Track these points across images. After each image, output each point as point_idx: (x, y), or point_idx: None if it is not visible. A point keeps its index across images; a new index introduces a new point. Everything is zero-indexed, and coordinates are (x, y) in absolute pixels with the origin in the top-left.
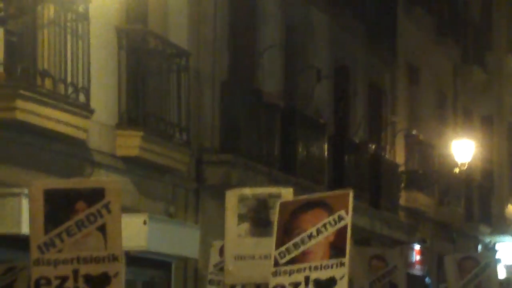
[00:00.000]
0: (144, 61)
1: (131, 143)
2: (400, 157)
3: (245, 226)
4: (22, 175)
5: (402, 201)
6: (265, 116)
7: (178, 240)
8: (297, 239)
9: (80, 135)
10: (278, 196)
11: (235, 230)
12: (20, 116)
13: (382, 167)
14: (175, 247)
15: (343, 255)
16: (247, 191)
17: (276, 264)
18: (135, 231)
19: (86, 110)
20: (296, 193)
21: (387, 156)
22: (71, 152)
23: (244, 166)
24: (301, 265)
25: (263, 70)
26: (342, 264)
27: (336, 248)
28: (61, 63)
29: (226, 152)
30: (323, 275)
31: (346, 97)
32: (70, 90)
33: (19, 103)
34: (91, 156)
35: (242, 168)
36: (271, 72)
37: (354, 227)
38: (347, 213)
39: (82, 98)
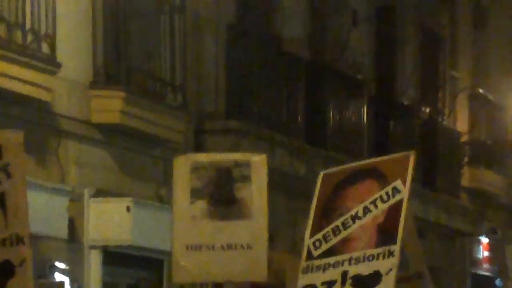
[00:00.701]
0: None
1: (110, 107)
2: (462, 124)
3: (201, 205)
4: None
5: (464, 181)
6: (285, 70)
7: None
8: (337, 222)
9: (44, 96)
10: (247, 164)
11: (187, 211)
12: None
13: (439, 136)
14: (168, 241)
15: (393, 241)
16: (203, 157)
17: (310, 257)
18: (116, 221)
19: (51, 64)
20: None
21: (445, 122)
22: (32, 119)
23: (257, 135)
24: (339, 257)
25: (283, 10)
26: (391, 254)
27: (385, 233)
28: (18, 3)
29: (234, 118)
30: (365, 269)
31: (392, 46)
32: (29, 38)
33: None
34: (58, 124)
35: (254, 139)
36: (292, 13)
37: None
38: (404, 183)
39: (45, 48)
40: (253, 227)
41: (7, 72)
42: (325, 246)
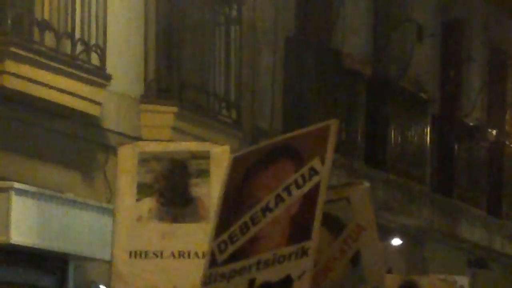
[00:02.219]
0: (180, 10)
1: (161, 122)
2: None
3: (149, 203)
4: (11, 163)
5: None
6: (344, 87)
7: None
8: (245, 218)
9: (92, 110)
10: (206, 156)
11: (131, 210)
12: (9, 82)
13: (506, 160)
14: None
15: (308, 236)
16: (154, 147)
17: (214, 263)
18: None
19: (100, 76)
20: (387, 193)
21: None
22: (79, 133)
23: None
24: (246, 262)
25: (344, 24)
26: (304, 253)
27: (298, 227)
28: (68, 11)
29: None
30: (275, 274)
31: (458, 63)
32: (79, 48)
33: (9, 65)
34: (106, 139)
35: None
36: (354, 27)
37: (465, 241)
38: (322, 161)
39: (95, 59)
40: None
41: (54, 83)
42: (231, 249)
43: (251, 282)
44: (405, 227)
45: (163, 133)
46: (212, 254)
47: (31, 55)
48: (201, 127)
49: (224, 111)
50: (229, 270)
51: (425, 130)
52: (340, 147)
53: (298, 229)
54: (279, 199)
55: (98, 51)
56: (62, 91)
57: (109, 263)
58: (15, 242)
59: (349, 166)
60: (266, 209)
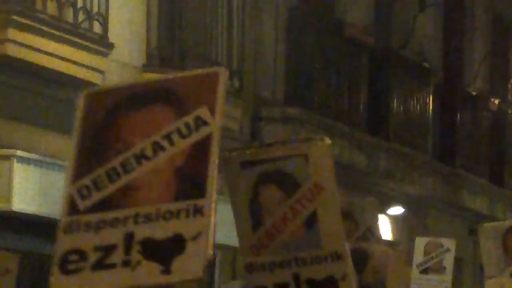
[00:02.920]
0: None
1: None
2: None
3: None
4: (13, 131)
5: None
6: (347, 57)
7: (225, 223)
8: (114, 163)
9: (94, 78)
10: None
11: None
12: (11, 51)
13: (508, 129)
14: (221, 234)
15: (201, 193)
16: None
17: (74, 210)
18: None
19: (102, 44)
20: (390, 162)
21: None
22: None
23: (316, 124)
24: (120, 213)
25: None
26: (198, 212)
27: (188, 181)
28: None
29: (292, 106)
30: (160, 231)
31: (460, 33)
32: (81, 17)
33: (12, 34)
34: None
35: (313, 128)
36: None
37: (467, 210)
38: (213, 112)
39: (97, 28)
40: None
41: (56, 52)
42: (97, 196)
43: (129, 236)
44: (407, 196)
45: None
46: (72, 200)
47: (33, 23)
48: None
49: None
50: (96, 220)
51: (428, 99)
52: (342, 116)
53: (188, 185)
54: (158, 147)
55: (100, 19)
56: (64, 59)
57: None
58: (17, 210)
59: (352, 135)
60: (141, 157)
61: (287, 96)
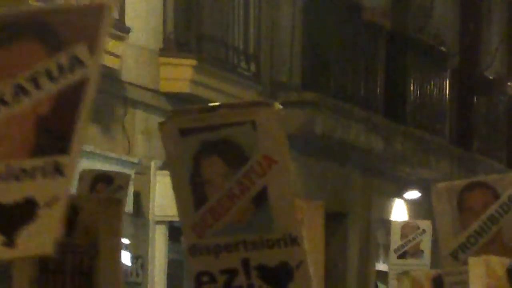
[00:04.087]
0: None
1: (179, 75)
2: None
3: None
4: None
5: None
6: (364, 41)
7: None
8: None
9: (111, 62)
10: None
11: None
12: None
13: None
14: None
15: (64, 150)
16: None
17: None
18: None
19: (119, 29)
20: (406, 146)
21: None
22: (98, 86)
23: (333, 108)
24: None
25: None
26: (57, 171)
27: (49, 134)
28: None
29: (310, 90)
30: (8, 194)
31: (478, 16)
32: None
33: None
34: (125, 92)
35: (330, 112)
36: None
37: None
38: (91, 51)
39: (114, 12)
40: None
41: None
42: None
43: None
44: (423, 180)
45: (181, 85)
46: None
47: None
48: (220, 80)
49: (243, 64)
50: None
51: (444, 83)
52: (359, 100)
53: (50, 138)
54: (20, 90)
55: (117, 4)
56: None
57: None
58: None
59: (368, 119)
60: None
61: (304, 80)
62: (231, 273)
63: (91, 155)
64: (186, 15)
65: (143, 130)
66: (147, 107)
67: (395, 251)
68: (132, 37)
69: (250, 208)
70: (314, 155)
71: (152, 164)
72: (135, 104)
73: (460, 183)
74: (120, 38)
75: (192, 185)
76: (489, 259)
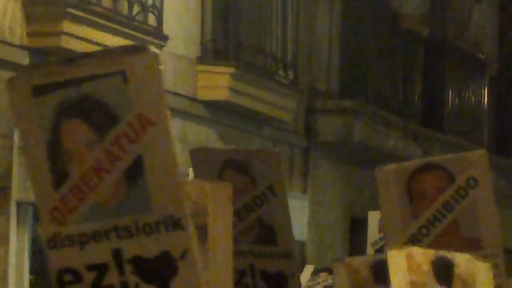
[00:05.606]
0: None
1: (217, 83)
2: None
3: None
4: None
5: None
6: (402, 48)
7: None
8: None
9: None
10: None
11: None
12: (66, 43)
13: None
14: None
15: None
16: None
17: None
18: None
19: (157, 37)
20: (444, 154)
21: None
22: None
23: (371, 116)
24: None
25: None
26: (176, 224)
27: None
28: None
29: (347, 98)
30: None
31: None
32: (136, 9)
33: (66, 26)
34: None
35: (368, 119)
36: None
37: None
38: None
39: (152, 20)
40: None
41: (111, 44)
42: None
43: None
44: None
45: (219, 93)
46: None
47: (88, 16)
48: (258, 88)
49: (280, 72)
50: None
51: (483, 91)
52: (397, 108)
53: None
54: None
55: (155, 12)
56: None
57: None
58: None
59: (406, 127)
60: None
61: (341, 88)
62: (100, 268)
63: None
64: (224, 23)
65: (180, 138)
66: (185, 115)
67: (373, 244)
68: (170, 45)
69: (121, 184)
70: (352, 163)
71: (190, 171)
72: (173, 112)
73: (409, 164)
74: (158, 47)
75: (49, 157)
76: (411, 251)
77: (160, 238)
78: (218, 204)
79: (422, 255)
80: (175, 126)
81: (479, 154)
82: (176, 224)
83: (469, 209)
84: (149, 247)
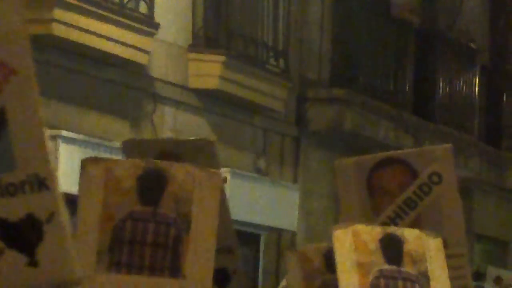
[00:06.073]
0: None
1: (209, 71)
2: None
3: None
4: (58, 111)
5: None
6: (393, 37)
7: (270, 204)
8: None
9: (140, 58)
10: None
11: None
12: (57, 30)
13: None
14: (266, 215)
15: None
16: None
17: None
18: None
19: (148, 25)
20: (435, 143)
21: None
22: (127, 82)
23: (362, 105)
24: None
25: None
26: (41, 183)
27: None
28: None
29: (339, 86)
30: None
31: (508, 13)
32: None
33: (57, 13)
34: (154, 88)
35: (359, 109)
36: None
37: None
38: None
39: (143, 8)
40: None
41: (103, 32)
42: None
43: None
44: None
45: (210, 82)
46: None
47: (79, 3)
48: (249, 76)
49: (272, 60)
50: None
51: (474, 80)
52: (388, 97)
53: None
54: None
55: (147, 0)
56: (110, 39)
57: None
58: (62, 190)
59: (398, 116)
60: None
61: (333, 77)
62: None
63: (118, 151)
64: (215, 11)
65: (171, 126)
66: (176, 103)
67: None
68: (161, 33)
69: None
70: (343, 152)
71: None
72: (164, 100)
73: (369, 158)
74: (149, 34)
75: None
76: (358, 228)
77: (25, 199)
78: (205, 192)
79: (369, 233)
80: (166, 114)
81: (443, 149)
82: (42, 184)
83: (433, 207)
84: (13, 209)
